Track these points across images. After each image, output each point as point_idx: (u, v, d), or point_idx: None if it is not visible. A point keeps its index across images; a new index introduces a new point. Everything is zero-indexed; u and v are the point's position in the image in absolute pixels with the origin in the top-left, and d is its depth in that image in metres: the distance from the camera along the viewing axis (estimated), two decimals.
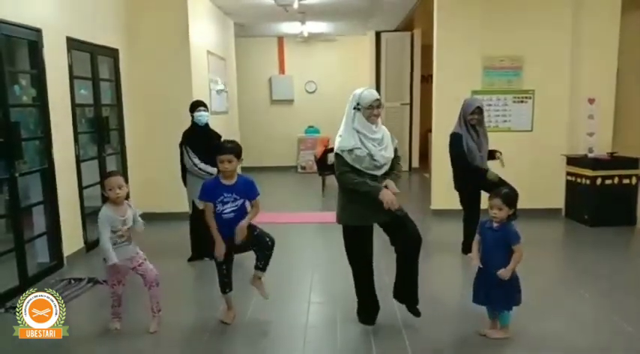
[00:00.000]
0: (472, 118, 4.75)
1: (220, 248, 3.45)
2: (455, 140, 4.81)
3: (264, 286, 3.65)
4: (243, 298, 3.73)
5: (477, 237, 3.38)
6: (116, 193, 3.33)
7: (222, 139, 4.91)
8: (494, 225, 3.25)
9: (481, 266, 3.24)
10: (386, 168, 3.38)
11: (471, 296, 3.36)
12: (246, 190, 3.49)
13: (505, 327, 3.32)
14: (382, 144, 3.36)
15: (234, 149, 3.46)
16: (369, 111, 3.30)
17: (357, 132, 3.32)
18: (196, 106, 4.94)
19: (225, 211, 3.45)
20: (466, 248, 4.85)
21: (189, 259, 5.04)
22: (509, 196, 3.25)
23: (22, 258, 4.28)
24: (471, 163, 4.76)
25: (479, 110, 4.77)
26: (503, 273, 3.15)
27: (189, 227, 5.08)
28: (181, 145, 4.92)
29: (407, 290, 3.55)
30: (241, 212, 3.48)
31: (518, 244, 3.19)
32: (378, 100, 3.33)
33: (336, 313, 3.78)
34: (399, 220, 3.43)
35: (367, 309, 3.59)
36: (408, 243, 3.45)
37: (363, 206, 3.34)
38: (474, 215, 4.74)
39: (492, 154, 4.94)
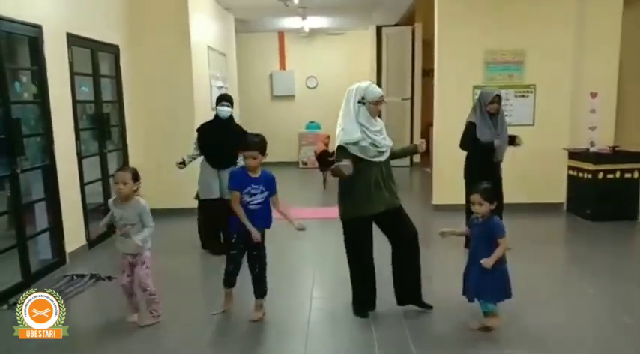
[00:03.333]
0: (493, 107, 4.81)
1: (256, 234, 3.45)
2: (470, 127, 4.87)
3: (261, 310, 3.62)
4: (245, 294, 3.73)
5: (466, 229, 3.48)
6: (118, 188, 3.39)
7: (246, 134, 4.99)
8: (479, 220, 3.31)
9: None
10: (387, 155, 3.49)
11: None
12: (270, 184, 3.54)
13: (490, 315, 3.32)
14: (382, 133, 3.50)
15: (259, 145, 3.49)
16: (374, 106, 3.41)
17: (361, 125, 3.40)
18: (220, 99, 5.05)
19: (253, 203, 3.46)
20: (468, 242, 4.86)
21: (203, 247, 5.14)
22: (487, 191, 3.29)
23: (24, 254, 4.29)
24: (479, 150, 4.82)
25: (498, 98, 4.83)
26: (486, 262, 3.17)
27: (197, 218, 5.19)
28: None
29: (411, 288, 3.63)
30: (266, 205, 3.52)
31: (503, 236, 3.22)
32: (382, 96, 3.48)
33: (338, 307, 3.78)
34: (395, 212, 3.52)
35: (364, 303, 3.65)
36: (405, 236, 3.55)
37: (359, 198, 3.44)
38: None
39: (513, 140, 5.02)
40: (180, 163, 4.99)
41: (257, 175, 3.50)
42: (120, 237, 3.47)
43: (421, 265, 3.65)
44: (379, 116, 3.56)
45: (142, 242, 3.41)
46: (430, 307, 3.65)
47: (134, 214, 3.43)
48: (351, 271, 3.66)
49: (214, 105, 5.11)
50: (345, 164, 3.21)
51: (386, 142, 3.49)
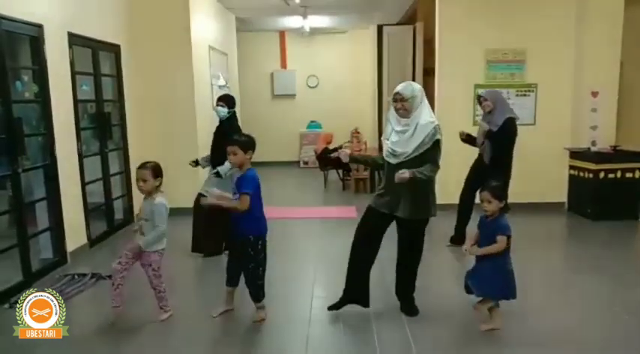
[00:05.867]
0: None
1: (208, 201, 3.47)
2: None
3: (262, 312, 3.61)
4: (246, 294, 3.73)
5: (475, 231, 3.45)
6: (139, 186, 3.46)
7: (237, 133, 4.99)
8: (488, 219, 3.31)
9: (466, 249, 3.38)
10: (401, 159, 3.35)
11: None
12: (239, 183, 3.42)
13: (495, 315, 3.34)
14: (403, 136, 3.36)
15: (239, 141, 3.43)
16: (393, 104, 3.42)
17: (389, 122, 3.48)
18: (217, 100, 5.02)
19: None
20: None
21: (206, 255, 5.13)
22: (497, 189, 3.31)
23: (25, 254, 4.29)
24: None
25: None
26: (473, 251, 3.28)
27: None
28: None
29: (401, 288, 3.71)
30: (248, 209, 3.41)
31: (503, 235, 3.21)
32: (397, 93, 3.38)
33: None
34: (406, 224, 3.48)
35: (345, 292, 3.65)
36: (401, 255, 3.64)
37: (379, 191, 3.56)
38: None
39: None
40: (193, 162, 5.04)
41: (240, 174, 3.46)
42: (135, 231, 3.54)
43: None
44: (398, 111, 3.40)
45: (144, 244, 3.42)
46: (412, 314, 3.62)
47: (149, 209, 3.47)
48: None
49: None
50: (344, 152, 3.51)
51: (396, 147, 3.36)
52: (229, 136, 4.50)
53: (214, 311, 3.66)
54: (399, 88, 3.39)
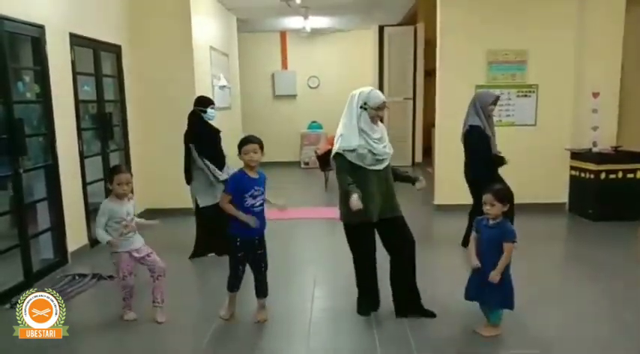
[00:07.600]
0: (492, 108, 4.86)
1: (255, 222, 3.38)
2: (477, 132, 4.78)
3: (264, 312, 3.62)
4: (246, 294, 3.73)
5: (473, 234, 3.36)
6: (124, 189, 3.46)
7: (220, 133, 4.99)
8: (490, 222, 3.24)
9: (479, 265, 3.20)
10: (386, 162, 3.46)
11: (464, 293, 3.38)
12: (265, 183, 3.52)
13: (496, 325, 3.31)
14: (383, 141, 3.45)
15: (259, 141, 3.46)
16: (375, 112, 3.38)
17: (362, 131, 3.37)
18: (209, 103, 4.96)
19: (257, 205, 3.43)
20: (466, 242, 4.84)
21: (191, 256, 5.03)
22: (501, 192, 3.23)
23: (26, 254, 4.30)
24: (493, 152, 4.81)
25: (497, 100, 4.93)
26: (494, 277, 3.13)
27: (195, 224, 5.08)
28: (188, 143, 4.89)
29: (409, 298, 3.58)
30: (263, 206, 3.51)
31: (511, 243, 3.14)
32: (385, 102, 3.43)
33: (340, 307, 3.79)
34: (394, 221, 3.49)
35: (367, 302, 3.64)
36: (401, 246, 3.52)
37: (362, 203, 3.30)
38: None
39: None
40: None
41: (256, 175, 3.46)
42: (124, 236, 3.47)
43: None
44: (381, 121, 3.54)
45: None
46: (433, 315, 3.56)
47: (132, 208, 3.57)
48: (355, 271, 3.66)
49: (198, 108, 4.93)
50: (354, 201, 3.21)
51: (386, 150, 3.44)
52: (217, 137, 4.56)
53: (223, 312, 3.62)
54: (383, 97, 3.44)
